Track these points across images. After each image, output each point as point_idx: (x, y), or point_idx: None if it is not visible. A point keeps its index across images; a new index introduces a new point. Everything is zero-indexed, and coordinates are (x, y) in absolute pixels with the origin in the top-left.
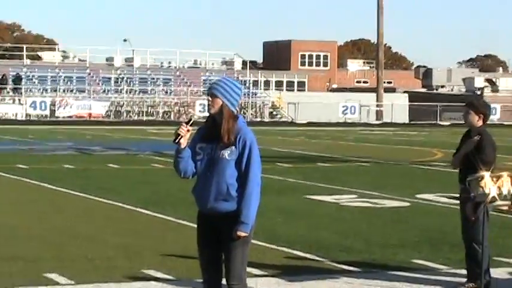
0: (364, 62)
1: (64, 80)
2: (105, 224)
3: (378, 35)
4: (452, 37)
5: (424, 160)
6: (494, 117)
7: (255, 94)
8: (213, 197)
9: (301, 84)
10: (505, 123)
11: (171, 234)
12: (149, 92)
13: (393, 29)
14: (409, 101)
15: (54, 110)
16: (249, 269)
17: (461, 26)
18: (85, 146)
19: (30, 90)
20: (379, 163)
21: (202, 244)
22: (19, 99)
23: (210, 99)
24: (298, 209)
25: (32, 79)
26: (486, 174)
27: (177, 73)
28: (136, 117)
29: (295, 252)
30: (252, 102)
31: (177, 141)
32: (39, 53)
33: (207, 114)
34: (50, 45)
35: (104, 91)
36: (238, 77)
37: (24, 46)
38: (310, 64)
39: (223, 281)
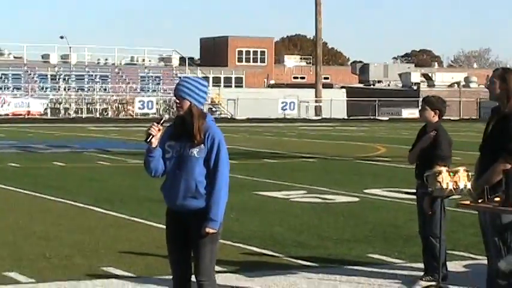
0: (300, 58)
1: (0, 78)
2: (59, 222)
3: (316, 30)
4: (387, 32)
5: (368, 155)
6: None
7: None
8: (182, 194)
9: (238, 80)
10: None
11: (125, 231)
12: (87, 90)
13: (329, 24)
14: (347, 96)
15: None
16: None
17: (396, 21)
18: (28, 144)
19: None
20: (325, 159)
21: (171, 241)
22: None
23: (177, 101)
24: (249, 205)
25: None
26: (443, 169)
27: (115, 70)
28: (74, 115)
29: (251, 248)
30: None
31: (148, 140)
32: None
33: (146, 111)
34: None
35: (42, 88)
36: (176, 74)
37: None
38: (248, 60)
39: (193, 278)
